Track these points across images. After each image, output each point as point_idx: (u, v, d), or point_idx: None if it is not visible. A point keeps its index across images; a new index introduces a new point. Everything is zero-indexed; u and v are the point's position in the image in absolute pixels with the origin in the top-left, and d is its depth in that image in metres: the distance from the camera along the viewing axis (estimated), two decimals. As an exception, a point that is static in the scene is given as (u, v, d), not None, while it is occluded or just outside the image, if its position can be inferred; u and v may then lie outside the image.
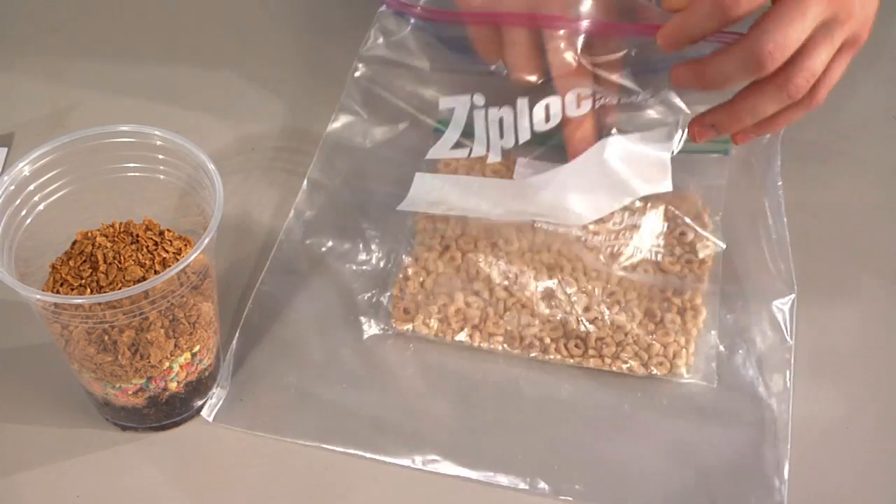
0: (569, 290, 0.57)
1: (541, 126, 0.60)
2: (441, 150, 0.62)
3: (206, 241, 0.49)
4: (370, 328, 0.57)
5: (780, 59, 0.49)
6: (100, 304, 0.48)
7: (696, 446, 0.52)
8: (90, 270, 0.51)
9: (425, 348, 0.57)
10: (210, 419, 0.54)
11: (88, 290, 0.51)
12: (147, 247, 0.52)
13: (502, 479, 0.51)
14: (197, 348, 0.52)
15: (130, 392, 0.52)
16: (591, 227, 0.59)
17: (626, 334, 0.56)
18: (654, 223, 0.59)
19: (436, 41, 0.65)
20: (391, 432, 0.53)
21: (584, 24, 0.56)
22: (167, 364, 0.51)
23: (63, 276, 0.52)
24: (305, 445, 0.53)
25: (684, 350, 0.55)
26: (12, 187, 0.52)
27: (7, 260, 0.50)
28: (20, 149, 0.68)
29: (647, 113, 0.60)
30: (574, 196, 0.58)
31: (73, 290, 0.51)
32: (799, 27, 0.49)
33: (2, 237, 0.51)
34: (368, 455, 0.53)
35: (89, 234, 0.53)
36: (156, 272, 0.51)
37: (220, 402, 0.55)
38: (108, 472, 0.53)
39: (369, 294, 0.59)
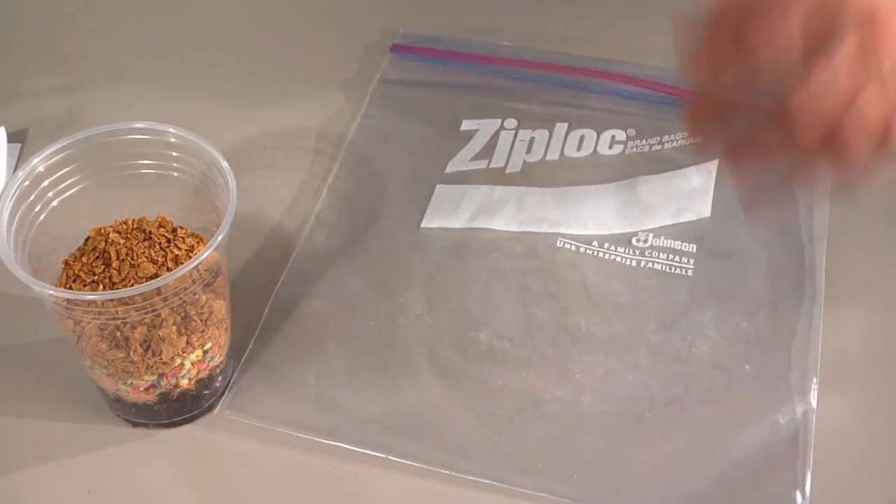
0: None
1: (571, 152, 0.65)
2: (460, 163, 0.65)
3: (220, 238, 0.49)
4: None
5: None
6: (112, 300, 0.48)
7: (718, 455, 0.51)
8: (103, 267, 0.51)
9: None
10: (221, 416, 0.55)
11: (101, 286, 0.51)
12: (160, 244, 0.52)
13: (520, 486, 0.51)
14: (209, 345, 0.52)
15: (142, 388, 0.52)
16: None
17: None
18: None
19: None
20: (406, 434, 0.53)
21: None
22: (179, 361, 0.51)
23: (76, 272, 0.52)
24: (317, 443, 0.53)
25: None
26: (26, 183, 0.52)
27: (21, 255, 0.51)
28: (34, 145, 0.68)
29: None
30: (597, 207, 0.60)
31: (85, 286, 0.51)
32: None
33: (16, 233, 0.51)
34: (382, 455, 0.53)
35: (102, 231, 0.53)
36: (168, 269, 0.51)
37: (232, 398, 0.55)
38: (119, 468, 0.53)
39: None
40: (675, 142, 0.65)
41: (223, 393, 0.56)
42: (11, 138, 0.69)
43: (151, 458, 0.53)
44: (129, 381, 0.52)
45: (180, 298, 0.49)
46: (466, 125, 0.67)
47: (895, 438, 0.52)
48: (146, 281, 0.50)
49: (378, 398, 0.55)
